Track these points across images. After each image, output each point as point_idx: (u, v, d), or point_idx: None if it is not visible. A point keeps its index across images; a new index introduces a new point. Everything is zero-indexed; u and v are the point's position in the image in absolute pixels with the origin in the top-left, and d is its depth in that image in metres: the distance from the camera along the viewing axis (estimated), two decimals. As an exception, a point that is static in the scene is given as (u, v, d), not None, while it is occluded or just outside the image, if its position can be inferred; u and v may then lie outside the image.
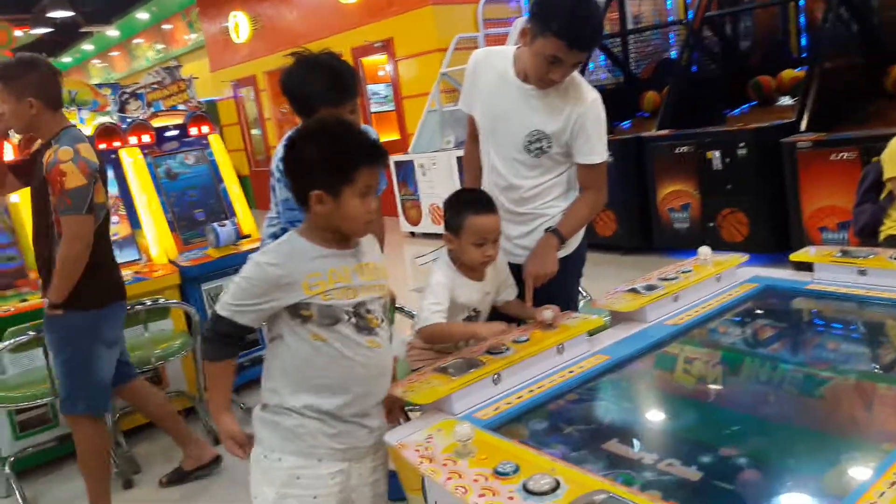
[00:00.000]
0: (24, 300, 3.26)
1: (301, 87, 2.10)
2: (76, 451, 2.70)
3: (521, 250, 2.18)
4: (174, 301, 3.46)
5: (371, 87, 10.00)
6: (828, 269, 2.10)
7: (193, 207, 4.05)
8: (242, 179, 4.90)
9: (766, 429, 1.57)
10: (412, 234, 8.12)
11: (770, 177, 4.90)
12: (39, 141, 2.69)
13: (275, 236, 2.34)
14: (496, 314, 2.14)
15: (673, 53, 6.92)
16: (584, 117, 2.10)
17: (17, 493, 3.04)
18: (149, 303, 3.27)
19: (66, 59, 19.75)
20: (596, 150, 2.15)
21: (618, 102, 5.91)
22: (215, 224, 3.77)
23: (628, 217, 5.86)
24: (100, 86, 4.36)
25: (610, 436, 1.58)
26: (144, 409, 3.04)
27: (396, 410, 1.77)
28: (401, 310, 2.59)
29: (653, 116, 6.14)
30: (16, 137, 3.36)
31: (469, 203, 2.00)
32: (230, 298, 1.57)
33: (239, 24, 11.66)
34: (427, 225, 7.79)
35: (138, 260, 3.79)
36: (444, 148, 7.53)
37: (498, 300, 2.13)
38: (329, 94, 2.07)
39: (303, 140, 1.59)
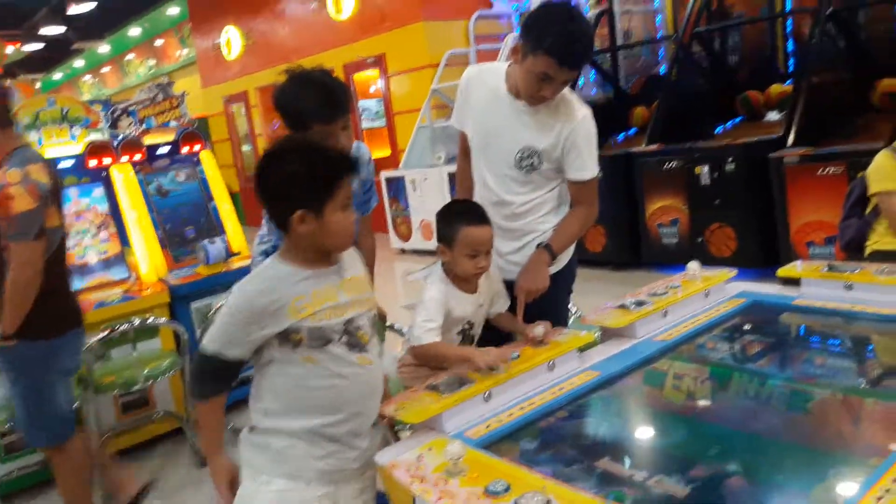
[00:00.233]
0: None
1: (294, 103, 2.11)
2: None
3: (512, 266, 2.19)
4: (163, 320, 3.44)
5: (362, 103, 10.03)
6: (815, 284, 2.12)
7: (184, 225, 4.04)
8: (233, 196, 4.89)
9: (754, 444, 1.58)
10: (402, 250, 8.11)
11: (758, 192, 4.94)
12: None
13: (266, 254, 2.34)
14: (487, 326, 2.15)
15: (662, 69, 6.99)
16: (575, 133, 2.12)
17: (3, 515, 3.01)
18: (137, 322, 3.25)
19: (56, 75, 19.76)
20: (587, 166, 2.16)
21: (607, 118, 5.95)
22: (205, 241, 3.76)
23: (618, 232, 5.89)
24: (91, 102, 4.36)
25: (601, 453, 1.58)
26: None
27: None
28: (391, 328, 2.59)
29: (642, 131, 6.18)
30: None
31: (462, 214, 2.00)
32: (217, 332, 1.54)
33: (231, 41, 11.69)
34: (418, 241, 7.79)
35: (127, 278, 3.77)
36: (435, 164, 7.55)
37: (491, 312, 2.13)
38: (322, 110, 2.08)
39: (276, 161, 1.54)
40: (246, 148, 12.42)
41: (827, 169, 4.42)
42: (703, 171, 5.17)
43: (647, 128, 6.05)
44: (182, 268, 3.82)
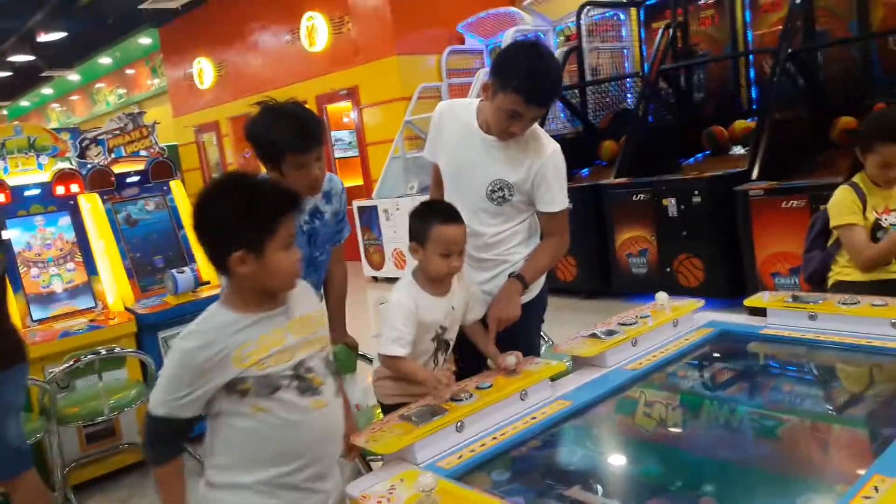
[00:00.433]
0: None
1: (268, 134, 2.12)
2: None
3: (484, 296, 2.20)
4: (130, 350, 3.38)
5: (335, 134, 10.07)
6: (780, 315, 2.16)
7: (153, 254, 4.00)
8: (204, 225, 4.84)
9: (725, 471, 1.60)
10: (375, 278, 8.09)
11: (724, 224, 5.04)
12: None
13: (236, 283, 2.32)
14: (461, 339, 2.13)
15: (630, 104, 7.14)
16: (545, 168, 2.15)
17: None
18: (104, 352, 3.18)
19: (24, 102, 19.50)
20: (556, 200, 2.20)
21: (577, 151, 6.05)
22: (173, 271, 3.71)
23: (588, 262, 5.95)
24: (59, 130, 4.32)
25: (573, 482, 1.58)
26: None
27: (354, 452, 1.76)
28: (363, 357, 2.58)
29: (610, 165, 6.29)
30: None
31: (436, 212, 1.99)
32: (162, 394, 1.46)
33: (203, 71, 11.69)
34: (390, 269, 7.78)
35: (94, 307, 3.70)
36: (407, 193, 7.59)
37: (466, 318, 2.11)
38: (295, 141, 2.09)
39: (213, 200, 1.47)
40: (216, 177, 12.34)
41: (790, 202, 4.54)
42: (671, 203, 5.27)
43: (615, 161, 6.16)
44: (150, 297, 3.77)
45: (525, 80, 1.97)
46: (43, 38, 11.08)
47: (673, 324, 2.21)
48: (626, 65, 7.48)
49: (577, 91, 6.99)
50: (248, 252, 1.43)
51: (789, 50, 5.19)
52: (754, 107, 6.26)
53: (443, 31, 8.54)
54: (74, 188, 3.83)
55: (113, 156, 4.26)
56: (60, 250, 3.75)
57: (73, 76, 16.10)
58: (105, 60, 14.68)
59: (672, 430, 1.91)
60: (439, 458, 1.57)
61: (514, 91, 1.97)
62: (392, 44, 8.34)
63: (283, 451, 1.50)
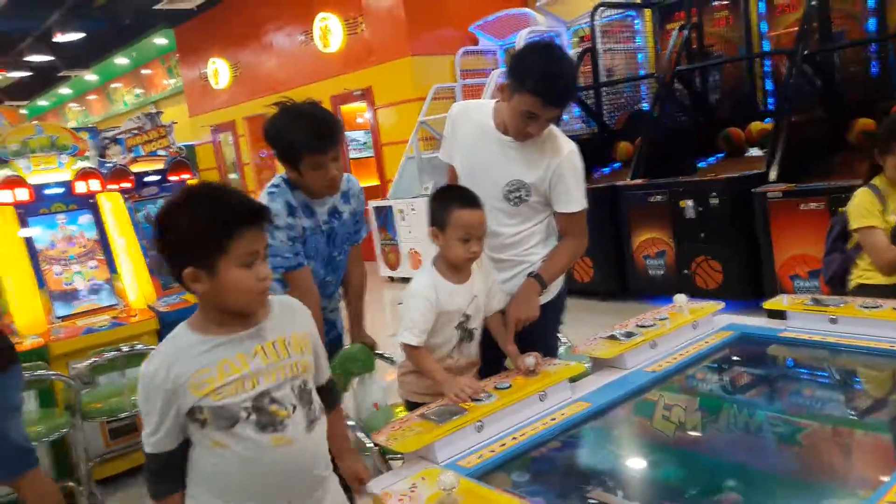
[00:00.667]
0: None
1: (285, 135, 2.14)
2: None
3: (505, 297, 2.20)
4: (151, 347, 3.41)
5: (350, 134, 10.10)
6: (800, 318, 2.15)
7: (172, 252, 4.03)
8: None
9: (744, 475, 1.59)
10: (391, 278, 8.12)
11: (742, 226, 5.02)
12: None
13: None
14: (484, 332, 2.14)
15: (645, 105, 7.12)
16: (562, 168, 2.16)
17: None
18: (126, 349, 3.23)
19: (42, 102, 19.69)
20: (574, 200, 2.21)
21: (592, 152, 6.03)
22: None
23: (605, 264, 5.94)
24: (77, 130, 4.37)
25: (593, 484, 1.59)
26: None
27: (356, 483, 1.68)
28: (381, 356, 2.59)
29: (626, 166, 6.28)
30: None
31: (456, 198, 2.00)
32: (144, 430, 1.41)
33: (219, 71, 11.77)
34: (406, 269, 7.80)
35: (116, 305, 3.75)
36: (422, 194, 7.60)
37: (488, 307, 2.11)
38: (313, 141, 2.11)
39: (168, 214, 1.39)
40: (233, 176, 12.42)
41: (809, 204, 4.51)
42: (688, 205, 5.26)
43: (630, 162, 6.14)
44: (171, 295, 3.81)
45: (541, 81, 1.98)
46: (60, 38, 11.18)
47: (692, 326, 2.21)
48: (641, 66, 7.46)
49: (591, 92, 6.98)
50: (198, 269, 1.35)
51: (805, 51, 5.16)
52: (770, 108, 6.23)
53: (456, 31, 8.55)
54: (95, 186, 3.87)
55: (132, 155, 4.30)
56: (83, 248, 3.80)
57: (91, 76, 16.25)
58: (121, 61, 14.81)
59: (692, 433, 1.91)
60: (459, 457, 1.58)
61: (531, 92, 1.99)
62: (406, 44, 8.36)
63: (248, 488, 1.42)
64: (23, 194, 3.65)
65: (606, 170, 6.58)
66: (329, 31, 9.27)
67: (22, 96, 17.37)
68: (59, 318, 3.60)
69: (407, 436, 1.60)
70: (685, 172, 5.76)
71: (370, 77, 8.87)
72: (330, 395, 1.67)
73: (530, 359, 1.89)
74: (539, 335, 2.19)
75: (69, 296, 3.69)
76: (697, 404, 2.00)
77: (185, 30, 12.28)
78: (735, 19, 6.56)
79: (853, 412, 1.90)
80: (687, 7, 6.58)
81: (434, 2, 8.42)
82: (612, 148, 6.64)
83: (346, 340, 2.58)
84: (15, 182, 3.63)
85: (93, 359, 3.08)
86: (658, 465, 1.73)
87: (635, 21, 7.43)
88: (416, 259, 7.59)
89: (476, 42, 8.69)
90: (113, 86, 16.50)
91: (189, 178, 4.28)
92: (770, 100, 6.35)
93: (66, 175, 3.90)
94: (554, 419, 1.74)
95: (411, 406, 2.02)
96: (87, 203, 3.87)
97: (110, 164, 4.09)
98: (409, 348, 1.97)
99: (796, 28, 5.59)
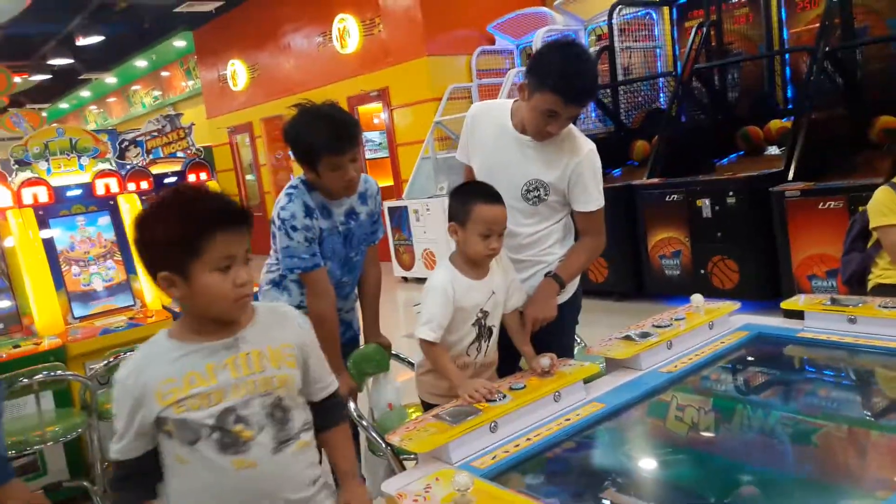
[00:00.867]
0: (17, 346, 3.25)
1: (304, 136, 2.16)
2: None
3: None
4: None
5: (366, 135, 10.13)
6: (818, 318, 2.13)
7: (190, 253, 4.07)
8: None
9: (760, 477, 1.57)
10: (405, 278, 8.13)
11: (759, 225, 4.97)
12: None
13: (273, 282, 2.36)
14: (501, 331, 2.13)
15: (662, 104, 7.08)
16: (581, 167, 2.16)
17: (2, 543, 2.98)
18: (143, 349, 3.25)
19: (63, 104, 19.95)
20: (592, 199, 2.20)
21: (608, 151, 5.99)
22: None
23: (620, 263, 5.91)
24: (97, 132, 4.43)
25: (607, 485, 1.58)
26: None
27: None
28: (396, 356, 2.60)
29: (643, 165, 6.24)
30: None
31: (477, 193, 1.99)
32: (116, 435, 1.37)
33: (237, 73, 11.86)
34: (420, 270, 7.81)
35: (132, 305, 3.79)
36: (437, 194, 7.61)
37: (507, 304, 2.09)
38: (332, 143, 2.12)
39: (145, 217, 1.35)
40: (250, 177, 12.52)
41: (827, 203, 4.46)
42: (705, 204, 5.22)
43: (647, 161, 6.10)
44: (186, 296, 3.83)
45: (562, 79, 1.97)
46: (82, 41, 11.34)
47: (708, 326, 2.19)
48: (659, 64, 7.41)
49: (608, 91, 6.94)
50: (172, 273, 1.31)
51: (826, 48, 5.09)
52: (790, 106, 6.16)
53: (473, 31, 8.55)
54: (114, 188, 3.92)
55: (151, 157, 4.35)
56: (102, 248, 3.85)
57: (110, 79, 16.45)
58: (141, 63, 14.97)
59: (707, 434, 1.89)
60: (473, 458, 1.58)
61: (552, 91, 1.98)
62: (422, 45, 8.37)
63: None
64: (43, 196, 3.71)
65: (622, 169, 6.55)
66: (347, 32, 9.31)
67: (43, 99, 17.60)
68: (76, 318, 3.65)
69: (421, 436, 1.59)
70: (703, 171, 5.71)
71: (386, 78, 8.89)
72: (330, 412, 1.57)
73: (545, 360, 1.88)
74: (556, 335, 2.19)
75: (87, 296, 3.74)
76: (713, 405, 1.98)
77: (203, 32, 12.39)
78: (755, 16, 6.49)
79: (872, 413, 1.88)
80: (706, 5, 6.53)
81: (451, 2, 8.42)
82: (628, 147, 6.61)
83: (362, 341, 2.59)
84: (36, 184, 3.68)
85: (109, 359, 3.10)
86: (673, 467, 1.71)
87: (653, 19, 7.39)
88: (430, 260, 7.60)
89: (493, 42, 8.68)
90: (132, 88, 16.68)
91: (207, 179, 4.32)
92: (790, 97, 6.28)
93: (86, 177, 3.96)
94: (568, 420, 1.73)
95: (428, 407, 2.02)
96: (107, 204, 3.92)
97: (129, 166, 4.14)
98: (425, 344, 1.97)
99: (817, 25, 5.53)
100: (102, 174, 3.92)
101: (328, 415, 1.56)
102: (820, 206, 4.50)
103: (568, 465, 1.68)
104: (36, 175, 3.79)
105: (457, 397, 1.81)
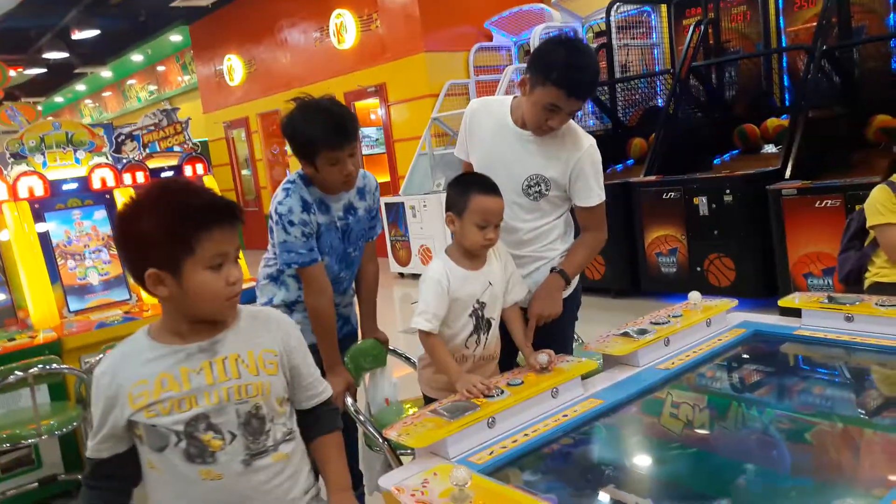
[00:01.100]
0: (12, 339, 3.24)
1: (302, 130, 2.15)
2: None
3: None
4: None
5: (363, 130, 10.13)
6: (815, 315, 2.13)
7: (186, 248, 4.06)
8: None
9: (757, 475, 1.58)
10: (401, 274, 8.13)
11: (756, 223, 4.98)
12: None
13: (271, 277, 2.36)
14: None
15: (660, 101, 7.08)
16: (582, 162, 2.17)
17: (-4, 537, 2.98)
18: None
19: (58, 98, 19.87)
20: (594, 193, 2.21)
21: (606, 149, 5.97)
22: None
23: (617, 261, 5.91)
24: (93, 126, 4.41)
25: (605, 481, 1.58)
26: None
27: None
28: (394, 352, 2.60)
29: (640, 162, 6.25)
30: None
31: (475, 184, 1.99)
32: (91, 433, 1.33)
33: (233, 67, 11.82)
34: (417, 266, 7.81)
35: (128, 299, 3.78)
36: (434, 190, 7.60)
37: (506, 299, 2.09)
38: (329, 137, 2.11)
39: (130, 211, 1.28)
40: (246, 172, 12.49)
41: (824, 202, 4.47)
42: (702, 201, 5.22)
43: (644, 159, 6.11)
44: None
45: (564, 73, 1.97)
46: (77, 35, 11.30)
47: (706, 323, 2.19)
48: (656, 62, 7.41)
49: (606, 88, 6.94)
50: (161, 271, 1.25)
51: (824, 47, 5.10)
52: (787, 104, 6.18)
53: (471, 27, 8.54)
54: (110, 181, 3.90)
55: (147, 151, 4.33)
56: (97, 243, 3.83)
57: (106, 73, 16.38)
58: (137, 57, 14.92)
59: (704, 431, 1.89)
60: (471, 453, 1.58)
61: (554, 84, 1.98)
62: (420, 41, 8.36)
63: None
64: (39, 189, 3.69)
65: (620, 166, 6.55)
66: (344, 27, 9.29)
67: (38, 93, 17.53)
68: (72, 312, 3.64)
69: (419, 431, 1.59)
70: (700, 169, 5.72)
71: (384, 73, 8.88)
72: (321, 420, 1.51)
73: (543, 356, 1.88)
74: (557, 332, 2.19)
75: (83, 290, 3.73)
76: (710, 402, 1.98)
77: (199, 26, 12.35)
78: (752, 15, 6.50)
79: (868, 411, 1.88)
80: (704, 2, 6.53)
81: (448, -2, 8.42)
82: (626, 144, 6.61)
83: (360, 336, 2.59)
84: (32, 177, 3.67)
85: (105, 353, 3.09)
86: (669, 463, 1.72)
87: (651, 16, 7.39)
88: (427, 256, 7.60)
89: (490, 38, 8.68)
90: (128, 82, 16.62)
91: (204, 173, 4.30)
92: (787, 96, 6.30)
93: (82, 171, 3.94)
94: (566, 416, 1.73)
95: (429, 401, 2.02)
96: (103, 198, 3.91)
97: (126, 160, 4.12)
98: (422, 335, 1.96)
99: (815, 23, 5.54)
100: (98, 168, 3.90)
101: (319, 423, 1.51)
102: (817, 205, 4.51)
103: (565, 461, 1.68)
104: (32, 168, 3.77)
105: (456, 391, 1.81)
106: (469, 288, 1.99)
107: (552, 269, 2.18)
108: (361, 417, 2.17)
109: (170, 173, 4.17)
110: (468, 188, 1.97)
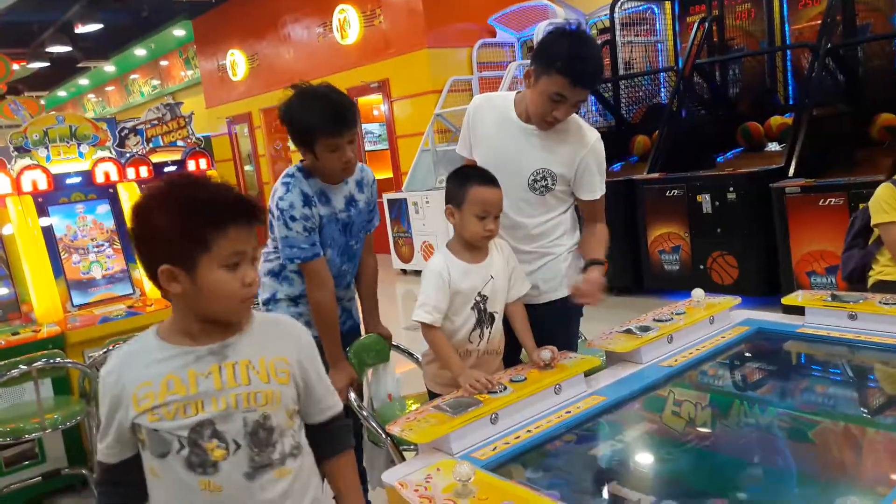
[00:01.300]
0: (16, 334, 3.24)
1: (301, 117, 2.14)
2: None
3: (530, 289, 2.18)
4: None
5: (366, 126, 10.11)
6: (819, 313, 2.13)
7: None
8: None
9: (760, 473, 1.58)
10: (404, 271, 8.13)
11: (759, 221, 4.98)
12: None
13: (272, 272, 2.36)
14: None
15: (663, 99, 7.07)
16: (588, 157, 2.18)
17: (-1, 530, 2.99)
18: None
19: (61, 92, 19.86)
20: (598, 187, 2.23)
21: (609, 146, 5.96)
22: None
23: (619, 258, 5.89)
24: (96, 120, 4.41)
25: (608, 478, 1.58)
26: None
27: None
28: (397, 347, 2.60)
29: (643, 160, 6.23)
30: None
31: (474, 175, 2.01)
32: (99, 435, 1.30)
33: (236, 62, 11.81)
34: (419, 262, 7.81)
35: (132, 294, 3.78)
36: (437, 186, 7.60)
37: (510, 294, 2.09)
38: (328, 124, 2.11)
39: (147, 205, 1.24)
40: (248, 168, 12.49)
41: (828, 200, 4.46)
42: (705, 199, 5.22)
43: (648, 156, 6.10)
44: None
45: (570, 62, 1.98)
46: (80, 29, 11.28)
47: (709, 321, 2.19)
48: (660, 59, 7.40)
49: (609, 85, 6.93)
50: (176, 267, 1.20)
51: (828, 45, 5.09)
52: (791, 102, 6.16)
53: (474, 24, 8.53)
54: (113, 175, 3.90)
55: (150, 145, 4.34)
56: (100, 237, 3.83)
57: (109, 67, 16.38)
58: (140, 52, 14.90)
59: (706, 429, 1.89)
60: (474, 449, 1.58)
61: (559, 73, 1.98)
62: (423, 37, 8.35)
63: None
64: (42, 183, 3.69)
65: (623, 163, 6.54)
66: (347, 22, 9.27)
67: (41, 87, 17.53)
68: (75, 306, 3.64)
69: (422, 427, 1.59)
70: (703, 167, 5.71)
71: (387, 69, 8.87)
72: (334, 437, 1.44)
73: (546, 352, 1.88)
74: (561, 328, 2.21)
75: (86, 284, 3.73)
76: (713, 400, 1.99)
77: (203, 21, 12.34)
78: (757, 12, 6.48)
79: (871, 409, 1.88)
80: (708, 0, 6.51)
81: (452, -6, 8.40)
82: (629, 141, 6.60)
83: (363, 330, 2.59)
84: (35, 171, 3.67)
85: (108, 347, 3.10)
86: (672, 460, 1.72)
87: (655, 13, 7.37)
88: (429, 252, 7.60)
89: (494, 34, 8.66)
90: (131, 77, 16.62)
91: (208, 168, 4.30)
92: (791, 94, 6.28)
93: (86, 165, 3.94)
94: (569, 412, 1.74)
95: (434, 396, 2.02)
96: (107, 192, 3.91)
97: (129, 154, 4.12)
98: (424, 328, 1.97)
99: (819, 21, 5.52)
100: (102, 162, 3.90)
101: (332, 441, 1.44)
102: (820, 203, 4.51)
103: (568, 458, 1.69)
104: (35, 162, 3.77)
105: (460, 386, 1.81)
106: (470, 281, 2.00)
107: (587, 264, 2.17)
108: (364, 413, 2.17)
109: (173, 168, 4.17)
110: (466, 180, 1.99)
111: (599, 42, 7.06)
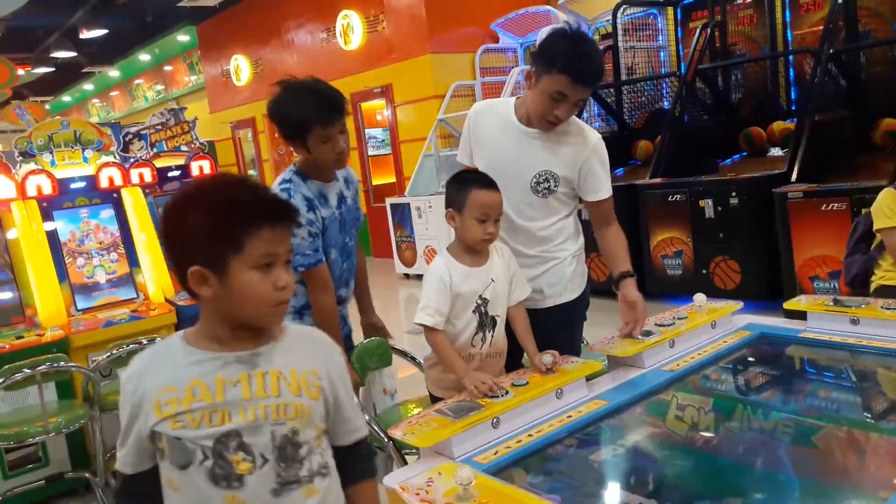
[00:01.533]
0: (20, 337, 3.25)
1: (291, 111, 2.14)
2: None
3: (532, 294, 2.18)
4: (170, 340, 3.45)
5: (369, 131, 10.14)
6: (821, 318, 2.13)
7: (193, 247, 4.07)
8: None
9: (762, 478, 1.58)
10: (406, 275, 8.14)
11: (762, 226, 4.98)
12: None
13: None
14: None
15: (666, 104, 7.08)
16: (591, 159, 2.18)
17: (3, 534, 2.99)
18: (145, 342, 3.25)
19: (66, 97, 19.95)
20: (604, 187, 2.23)
21: (611, 151, 5.97)
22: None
23: (622, 263, 5.90)
24: (100, 125, 4.43)
25: (609, 481, 1.58)
26: None
27: None
28: (400, 351, 2.60)
29: (645, 165, 6.24)
30: None
31: (474, 179, 2.02)
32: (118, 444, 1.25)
33: (240, 68, 11.86)
34: (422, 267, 7.81)
35: (135, 298, 3.79)
36: (439, 191, 7.61)
37: (511, 298, 2.09)
38: (320, 114, 2.11)
39: (177, 205, 1.20)
40: (252, 173, 12.52)
41: (830, 205, 4.46)
42: (707, 204, 5.22)
43: (650, 161, 6.11)
44: (189, 289, 3.84)
45: (570, 60, 1.99)
46: (85, 34, 11.34)
47: (711, 325, 2.19)
48: (662, 64, 7.41)
49: (612, 90, 6.94)
50: (207, 269, 1.16)
51: (830, 50, 5.10)
52: (793, 108, 6.16)
53: (477, 29, 8.56)
54: (117, 180, 3.92)
55: (155, 150, 4.35)
56: (105, 241, 3.85)
57: (114, 72, 16.44)
58: (144, 57, 14.97)
59: (709, 433, 1.90)
60: (475, 453, 1.58)
61: (560, 71, 2.00)
62: (426, 42, 8.38)
63: None
64: (47, 188, 3.71)
65: (625, 168, 6.55)
66: (350, 28, 9.31)
67: (46, 92, 17.59)
68: (79, 310, 3.65)
69: (423, 430, 1.60)
70: (706, 172, 5.72)
71: (390, 74, 8.89)
72: (360, 461, 1.36)
73: (548, 357, 1.88)
74: (565, 332, 2.21)
75: (90, 289, 3.74)
76: (715, 404, 1.99)
77: (207, 27, 12.40)
78: (759, 18, 6.49)
79: (873, 414, 1.88)
80: (710, 5, 6.53)
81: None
82: (631, 146, 6.61)
83: (356, 333, 2.58)
84: (40, 175, 3.69)
85: (112, 351, 3.11)
86: (674, 465, 1.72)
87: (657, 19, 7.39)
88: (432, 257, 7.61)
89: (496, 40, 8.69)
90: (135, 82, 16.68)
91: (211, 172, 4.32)
92: (793, 99, 6.28)
93: (90, 169, 3.95)
94: (570, 417, 1.74)
95: (436, 400, 2.02)
96: (111, 197, 3.92)
97: (133, 159, 4.14)
98: (427, 332, 1.98)
99: (821, 27, 5.53)
100: (106, 167, 3.92)
101: (357, 465, 1.36)
102: (823, 208, 4.50)
103: (569, 462, 1.69)
104: (40, 167, 3.79)
105: (462, 390, 1.81)
106: (471, 284, 2.00)
107: (620, 277, 2.19)
108: (366, 417, 2.17)
109: (177, 173, 4.19)
110: (466, 184, 1.99)
111: (602, 47, 7.08)
